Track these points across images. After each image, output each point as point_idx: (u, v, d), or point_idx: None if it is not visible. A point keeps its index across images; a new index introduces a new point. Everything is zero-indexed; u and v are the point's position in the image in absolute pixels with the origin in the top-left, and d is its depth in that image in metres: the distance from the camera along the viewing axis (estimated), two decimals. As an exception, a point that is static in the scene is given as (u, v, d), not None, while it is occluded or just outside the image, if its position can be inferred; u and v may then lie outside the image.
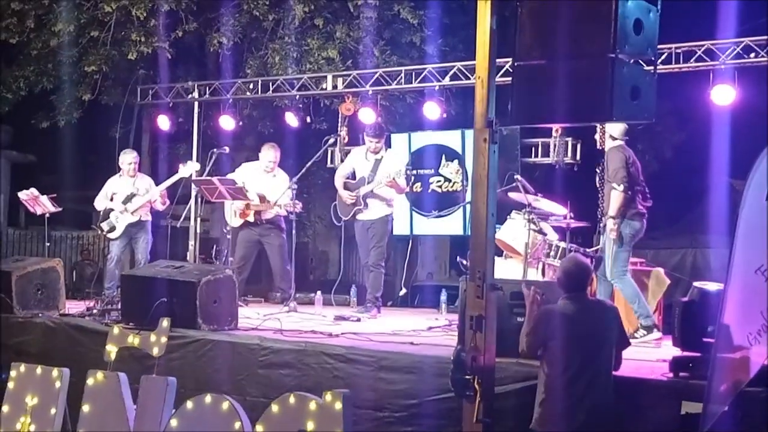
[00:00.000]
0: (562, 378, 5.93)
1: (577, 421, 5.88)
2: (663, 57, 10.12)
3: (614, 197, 8.43)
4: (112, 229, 11.46)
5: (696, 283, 6.94)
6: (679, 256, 13.19)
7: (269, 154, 11.23)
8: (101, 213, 11.56)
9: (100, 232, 11.74)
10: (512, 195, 9.91)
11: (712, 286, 6.67)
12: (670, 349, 7.10)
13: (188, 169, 11.63)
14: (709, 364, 5.68)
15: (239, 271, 10.76)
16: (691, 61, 10.25)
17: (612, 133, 8.63)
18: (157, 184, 11.62)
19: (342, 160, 13.73)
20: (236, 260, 11.18)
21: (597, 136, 8.85)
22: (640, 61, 6.23)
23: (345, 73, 13.23)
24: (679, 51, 10.29)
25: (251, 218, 11.05)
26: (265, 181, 11.16)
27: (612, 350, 6.12)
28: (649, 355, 7.42)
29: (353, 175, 10.76)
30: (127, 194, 11.47)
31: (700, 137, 12.26)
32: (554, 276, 8.97)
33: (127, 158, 11.72)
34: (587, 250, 9.76)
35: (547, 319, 6.10)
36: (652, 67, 6.20)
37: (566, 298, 6.19)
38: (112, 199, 11.54)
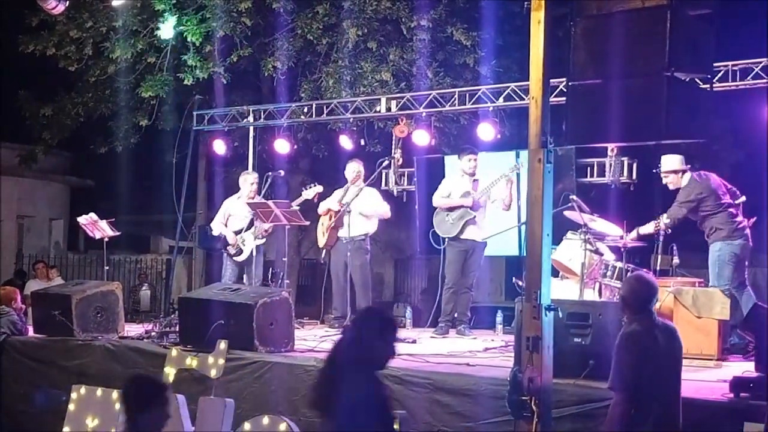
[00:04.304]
0: (633, 403, 5.51)
1: None
2: (719, 75, 9.98)
3: None
4: (239, 252, 11.42)
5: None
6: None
7: (352, 166, 11.34)
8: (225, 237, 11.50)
9: (227, 255, 11.55)
10: (568, 215, 9.83)
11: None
12: (730, 370, 7.00)
13: (311, 191, 11.48)
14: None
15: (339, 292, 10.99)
16: (748, 78, 10.09)
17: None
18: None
19: (396, 182, 13.83)
20: (334, 283, 11.18)
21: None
22: (696, 80, 6.17)
23: (399, 95, 13.23)
24: (736, 68, 10.12)
25: (337, 231, 10.99)
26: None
27: (680, 371, 5.79)
28: (709, 376, 7.32)
29: None
30: (249, 218, 11.39)
31: (758, 156, 12.07)
32: (611, 296, 8.89)
33: (249, 179, 11.60)
34: (645, 270, 9.64)
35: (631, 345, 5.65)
36: (708, 86, 6.15)
37: (635, 319, 5.70)
38: (227, 222, 11.53)
